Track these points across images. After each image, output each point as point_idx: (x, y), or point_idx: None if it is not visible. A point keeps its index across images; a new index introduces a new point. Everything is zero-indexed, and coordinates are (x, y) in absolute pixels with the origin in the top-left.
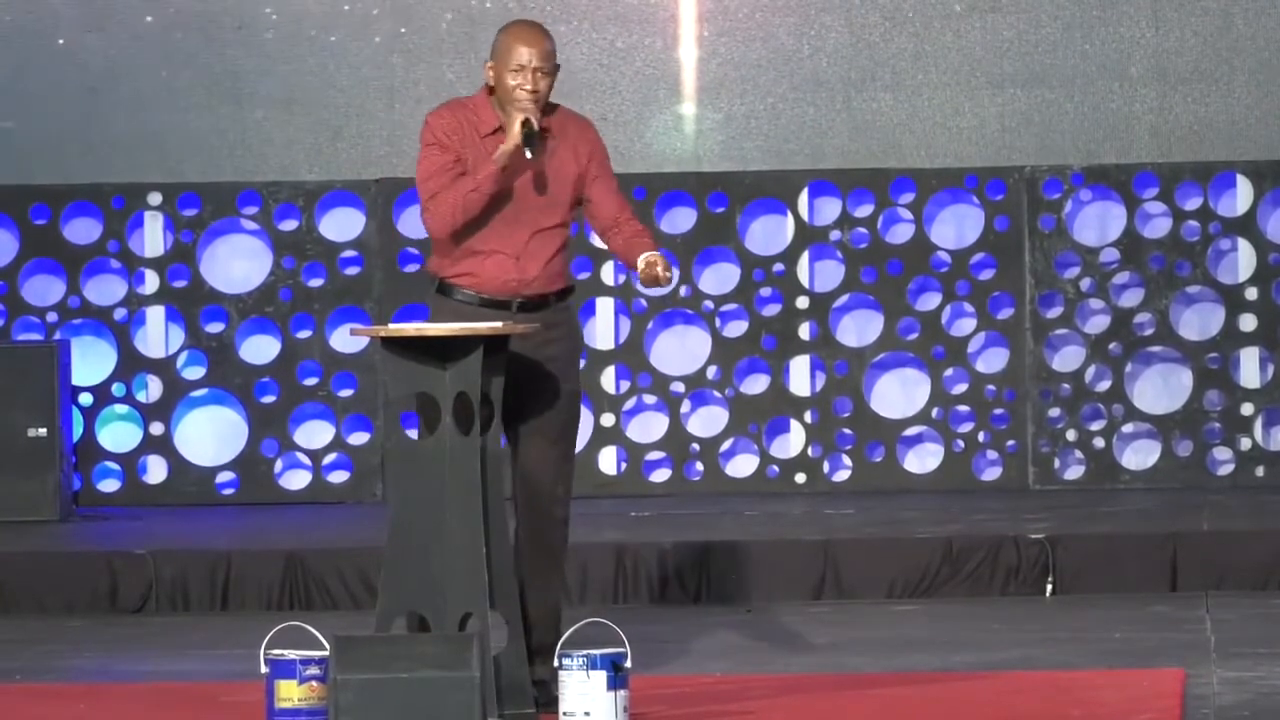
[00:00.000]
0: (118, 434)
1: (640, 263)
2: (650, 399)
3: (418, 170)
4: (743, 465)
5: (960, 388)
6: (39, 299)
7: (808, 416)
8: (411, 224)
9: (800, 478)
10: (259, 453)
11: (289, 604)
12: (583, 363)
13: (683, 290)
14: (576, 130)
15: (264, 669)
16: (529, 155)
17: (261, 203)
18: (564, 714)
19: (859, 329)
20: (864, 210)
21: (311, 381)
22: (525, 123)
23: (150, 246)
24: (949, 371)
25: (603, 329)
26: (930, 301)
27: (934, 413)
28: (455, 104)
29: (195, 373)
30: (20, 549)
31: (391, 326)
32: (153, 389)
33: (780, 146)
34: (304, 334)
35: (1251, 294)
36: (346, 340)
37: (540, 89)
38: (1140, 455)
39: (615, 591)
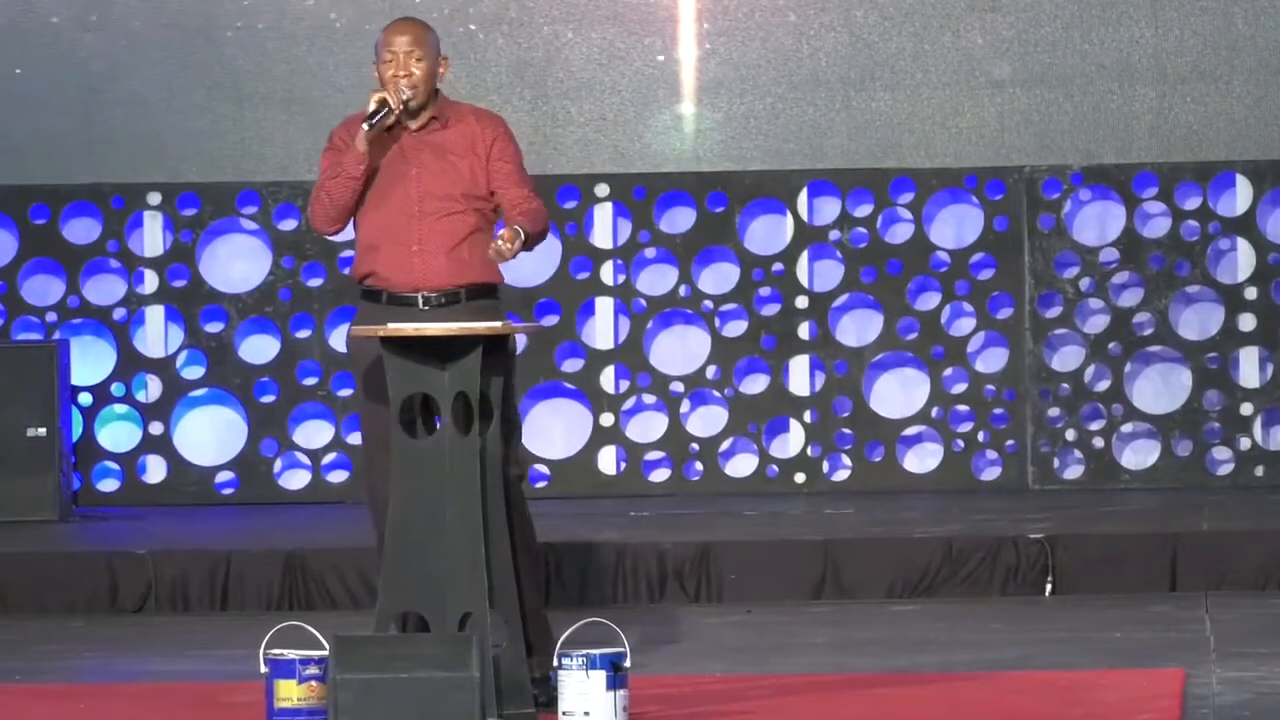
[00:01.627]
0: (117, 434)
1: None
2: (650, 399)
3: None
4: (742, 465)
5: (960, 387)
6: (39, 299)
7: (807, 416)
8: None
9: (800, 478)
10: (258, 453)
11: (289, 604)
12: (578, 364)
13: (682, 290)
14: (481, 123)
15: (264, 669)
16: (366, 128)
17: (261, 203)
18: (564, 714)
19: (859, 329)
20: (863, 210)
21: (311, 381)
22: (380, 101)
23: (150, 246)
24: (948, 371)
25: (602, 329)
26: (930, 301)
27: (934, 412)
28: (358, 115)
29: (195, 372)
30: (20, 549)
31: (391, 326)
32: (152, 389)
33: (780, 146)
34: (303, 334)
35: (1251, 294)
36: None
37: (414, 71)
38: (1140, 455)
39: (615, 591)
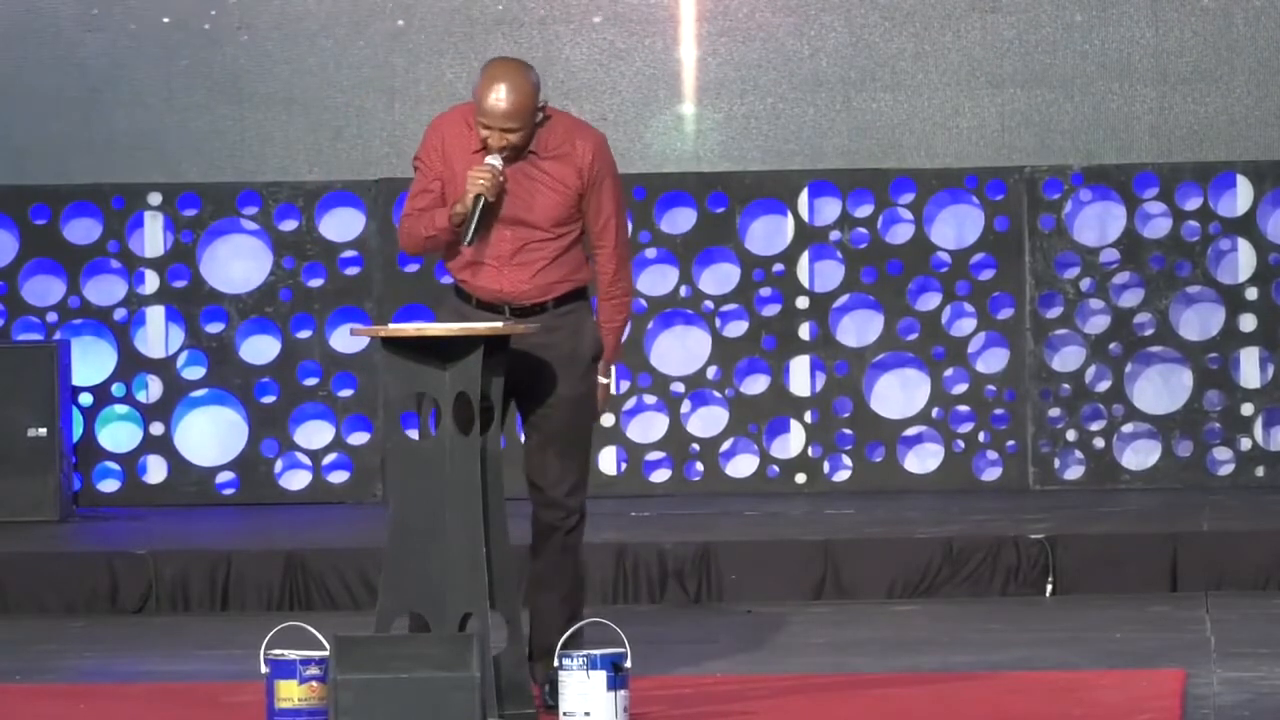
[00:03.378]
0: (118, 434)
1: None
2: (650, 399)
3: None
4: (743, 465)
5: (960, 388)
6: (39, 299)
7: (808, 416)
8: None
9: (800, 478)
10: (259, 453)
11: (289, 604)
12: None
13: (683, 290)
14: (577, 148)
15: (264, 669)
16: (466, 240)
17: (261, 203)
18: (564, 714)
19: (859, 329)
20: (864, 210)
21: (311, 382)
22: (477, 197)
23: (150, 246)
24: (949, 371)
25: None
26: (930, 301)
27: (934, 413)
28: (454, 114)
29: (195, 373)
30: (20, 549)
31: (392, 326)
32: (153, 389)
33: (780, 146)
34: (304, 334)
35: (1251, 294)
36: (346, 340)
37: (510, 141)
38: (1140, 455)
39: (615, 591)
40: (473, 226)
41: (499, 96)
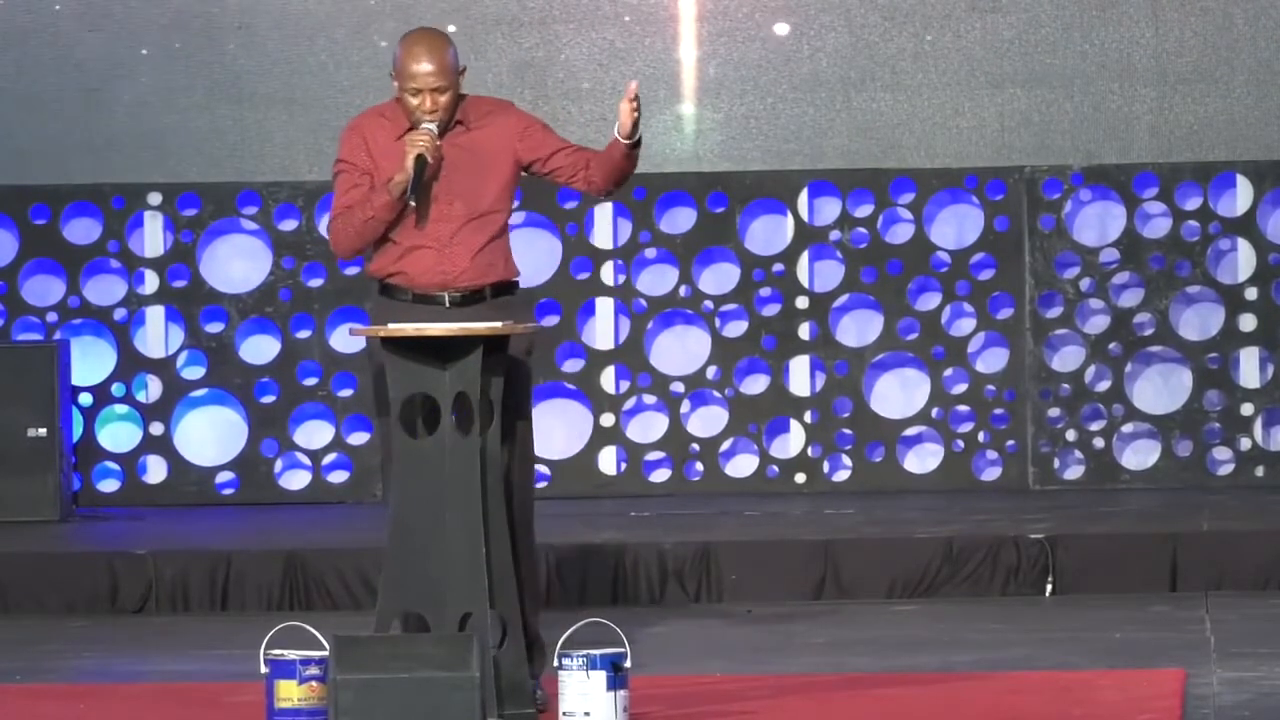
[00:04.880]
0: (117, 434)
1: (620, 131)
2: (650, 399)
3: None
4: (742, 465)
5: (960, 388)
6: (39, 299)
7: (808, 416)
8: None
9: (800, 478)
10: (259, 453)
11: (289, 604)
12: (578, 364)
13: (683, 290)
14: (498, 114)
15: (264, 669)
16: (411, 199)
17: (261, 203)
18: (564, 714)
19: (859, 329)
20: (864, 210)
21: (311, 381)
22: (419, 158)
23: (150, 246)
24: (949, 371)
25: (602, 329)
26: (930, 301)
27: (934, 413)
28: (368, 113)
29: (195, 373)
30: (20, 549)
31: (391, 326)
32: (152, 389)
33: (780, 146)
34: (304, 334)
35: (1251, 294)
36: (346, 340)
37: (439, 104)
38: (1140, 455)
39: (615, 591)
40: (417, 187)
41: (422, 58)
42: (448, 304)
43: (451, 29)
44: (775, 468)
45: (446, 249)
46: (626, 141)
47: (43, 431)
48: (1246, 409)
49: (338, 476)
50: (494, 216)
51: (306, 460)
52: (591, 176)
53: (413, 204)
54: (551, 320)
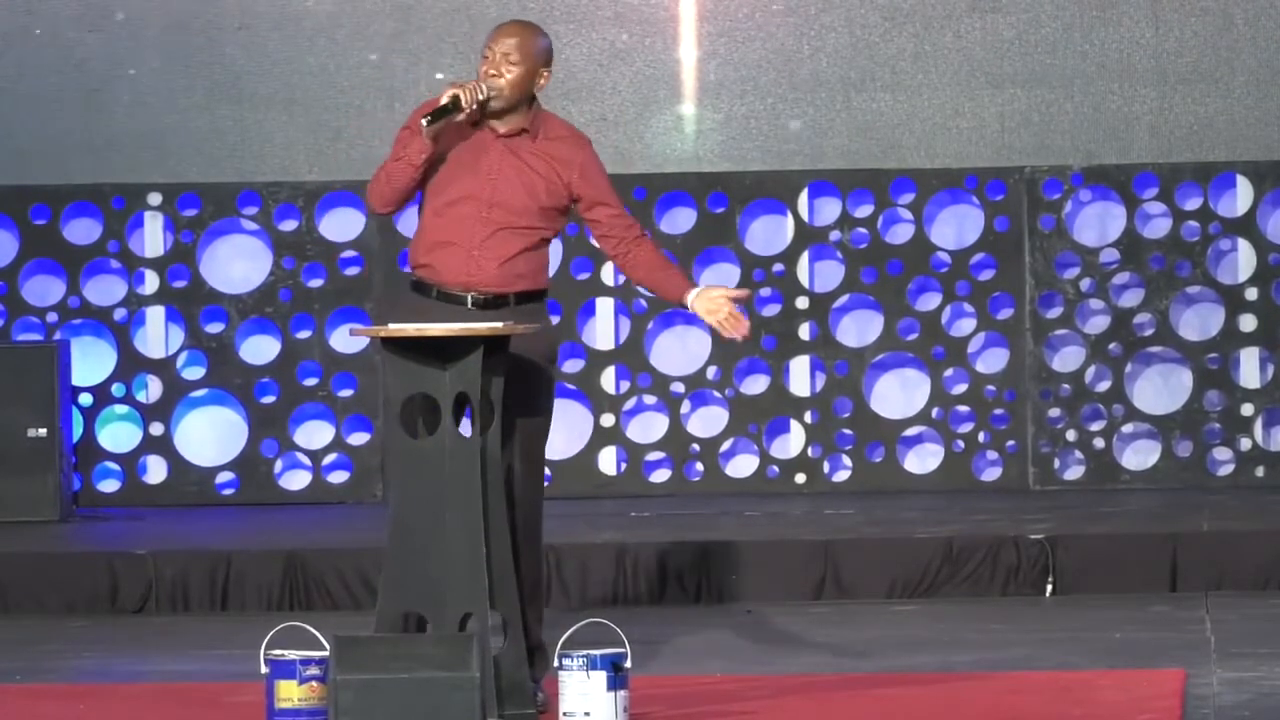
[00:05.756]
0: (117, 434)
1: (709, 319)
2: (650, 399)
3: None
4: (743, 465)
5: (960, 388)
6: (39, 299)
7: (808, 417)
8: (411, 225)
9: (800, 478)
10: (259, 453)
11: (289, 604)
12: (579, 365)
13: None
14: (567, 144)
15: (264, 669)
16: (426, 122)
17: (261, 203)
18: (564, 714)
19: (859, 329)
20: (864, 210)
21: (311, 382)
22: (454, 98)
23: (150, 247)
24: (949, 372)
25: (603, 329)
26: (930, 302)
27: (934, 413)
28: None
29: (195, 373)
30: (20, 549)
31: (391, 327)
32: (152, 389)
33: (780, 147)
34: (304, 334)
35: (1251, 294)
36: (346, 340)
37: (503, 73)
38: (1140, 455)
39: (615, 591)
40: (437, 120)
41: (507, 30)
42: (470, 305)
43: (448, 17)
44: (775, 468)
45: (475, 250)
46: (683, 305)
47: (43, 432)
48: (1246, 409)
49: (338, 476)
50: (532, 231)
51: (306, 460)
52: (631, 265)
53: (425, 128)
54: (552, 320)
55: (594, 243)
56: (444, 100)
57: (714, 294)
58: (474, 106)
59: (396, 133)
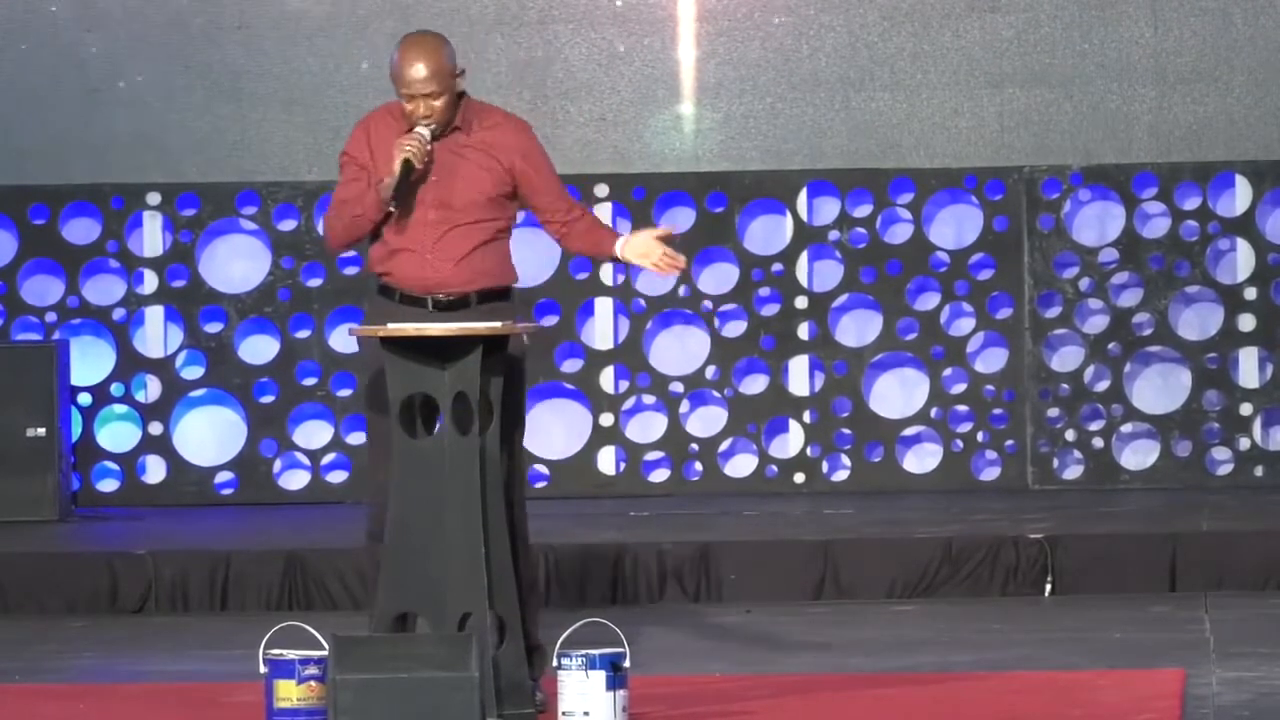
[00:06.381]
0: (117, 434)
1: (642, 262)
2: (649, 399)
3: None
4: (742, 465)
5: (959, 388)
6: (38, 299)
7: (807, 416)
8: None
9: (799, 478)
10: (258, 453)
11: (289, 604)
12: (578, 364)
13: (682, 290)
14: (505, 130)
15: (263, 669)
16: (392, 205)
17: (260, 203)
18: (563, 714)
19: (858, 329)
20: (863, 210)
21: (311, 381)
22: (405, 162)
23: (149, 246)
24: (948, 371)
25: (601, 329)
26: (929, 301)
27: (933, 413)
28: (381, 109)
29: (194, 373)
30: (20, 549)
31: (391, 327)
32: (152, 389)
33: (779, 146)
34: (303, 334)
35: (1250, 294)
36: (346, 340)
37: (432, 108)
38: (1139, 455)
39: (615, 591)
40: (397, 190)
41: (415, 63)
42: (431, 307)
43: (448, 17)
44: (774, 468)
45: (428, 254)
46: (616, 259)
47: (42, 431)
48: (1245, 409)
49: (337, 476)
50: (485, 225)
51: (306, 460)
52: (569, 237)
53: (392, 209)
54: (551, 320)
55: (538, 218)
56: (397, 168)
57: (641, 237)
58: (427, 157)
59: (342, 171)
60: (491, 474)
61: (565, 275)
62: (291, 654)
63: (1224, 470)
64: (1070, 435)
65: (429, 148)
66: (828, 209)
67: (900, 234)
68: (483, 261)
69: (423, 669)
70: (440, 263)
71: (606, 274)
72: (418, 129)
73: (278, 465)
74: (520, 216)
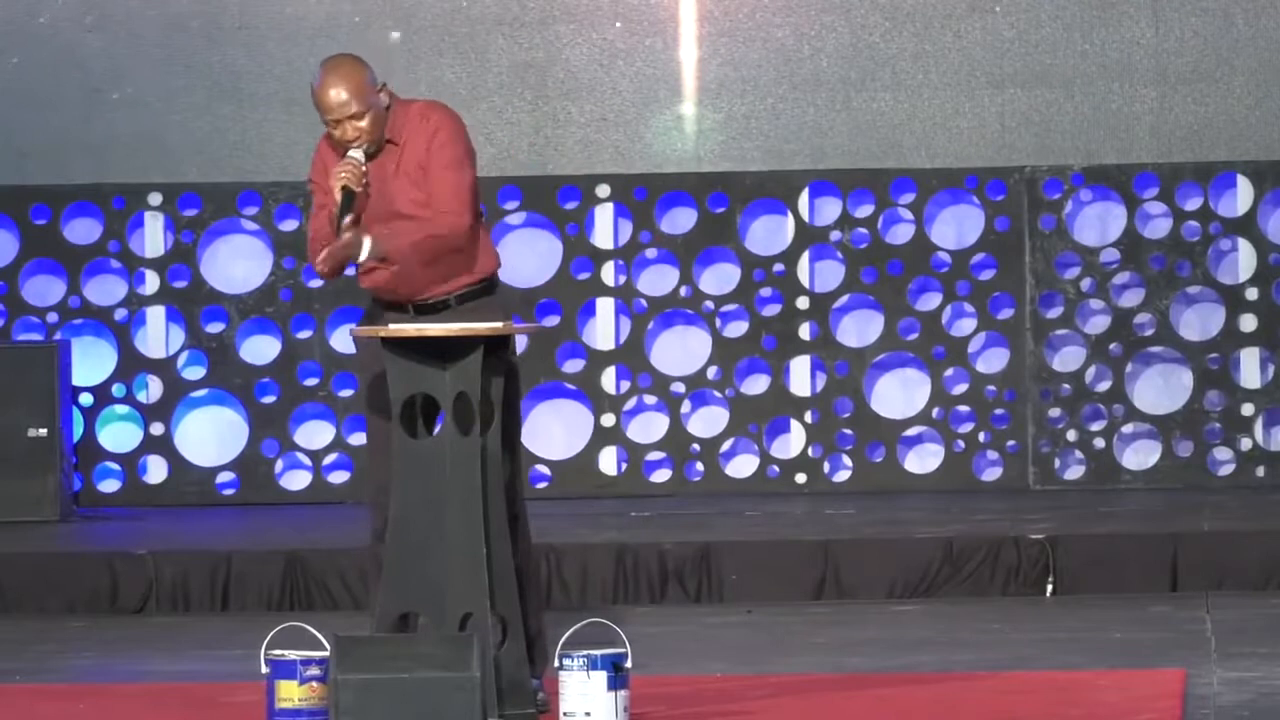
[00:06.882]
0: (118, 434)
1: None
2: (650, 399)
3: None
4: (743, 465)
5: (960, 388)
6: (39, 299)
7: (808, 417)
8: None
9: (800, 478)
10: (259, 453)
11: (289, 604)
12: (579, 364)
13: (683, 290)
14: (420, 118)
15: (264, 669)
16: (346, 231)
17: (261, 203)
18: (564, 714)
19: (859, 329)
20: (864, 210)
21: (312, 382)
22: (344, 189)
23: (150, 247)
24: (949, 372)
25: (603, 329)
26: (930, 301)
27: (934, 413)
28: (328, 134)
29: (195, 373)
30: (20, 549)
31: (392, 327)
32: (153, 389)
33: (780, 146)
34: (304, 334)
35: (1252, 294)
36: (346, 340)
37: (359, 131)
38: (1140, 455)
39: (615, 591)
40: (344, 220)
41: (332, 88)
42: (413, 313)
43: (448, 17)
44: (776, 468)
45: (396, 267)
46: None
47: (43, 431)
48: (1247, 409)
49: (338, 476)
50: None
51: (307, 460)
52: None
53: (345, 222)
54: (552, 320)
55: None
56: (338, 198)
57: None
58: (365, 179)
59: (312, 197)
60: (492, 474)
61: (566, 275)
62: (293, 654)
63: (1225, 470)
64: (1071, 435)
65: (364, 169)
66: (829, 209)
67: (902, 234)
68: (451, 264)
69: (424, 669)
70: (409, 276)
71: (608, 274)
72: (350, 154)
73: (279, 465)
74: (515, 207)
